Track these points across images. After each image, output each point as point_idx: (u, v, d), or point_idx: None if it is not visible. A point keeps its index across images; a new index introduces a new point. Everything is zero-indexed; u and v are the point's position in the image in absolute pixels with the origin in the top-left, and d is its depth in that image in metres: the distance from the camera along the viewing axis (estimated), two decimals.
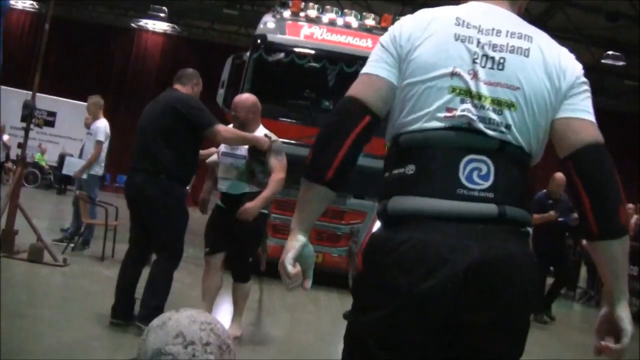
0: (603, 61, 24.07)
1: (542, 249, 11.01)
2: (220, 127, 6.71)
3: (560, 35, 20.37)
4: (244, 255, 7.06)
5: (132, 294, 6.90)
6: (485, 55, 2.56)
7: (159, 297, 6.52)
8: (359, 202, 11.82)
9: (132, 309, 6.86)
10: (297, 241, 2.66)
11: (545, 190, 11.84)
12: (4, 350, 5.22)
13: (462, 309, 2.42)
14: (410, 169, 2.53)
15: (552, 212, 11.33)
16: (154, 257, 7.27)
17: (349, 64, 11.80)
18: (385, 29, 12.71)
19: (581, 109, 2.62)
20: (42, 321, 6.70)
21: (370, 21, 12.89)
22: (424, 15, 2.70)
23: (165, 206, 6.60)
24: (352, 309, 2.69)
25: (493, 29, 2.60)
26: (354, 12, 13.28)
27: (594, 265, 16.25)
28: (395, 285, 2.46)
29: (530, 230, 2.60)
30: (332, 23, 12.65)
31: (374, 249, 2.60)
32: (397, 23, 2.74)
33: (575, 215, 12.07)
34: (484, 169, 2.48)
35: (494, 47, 2.57)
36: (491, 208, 2.45)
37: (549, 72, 2.59)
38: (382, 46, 2.70)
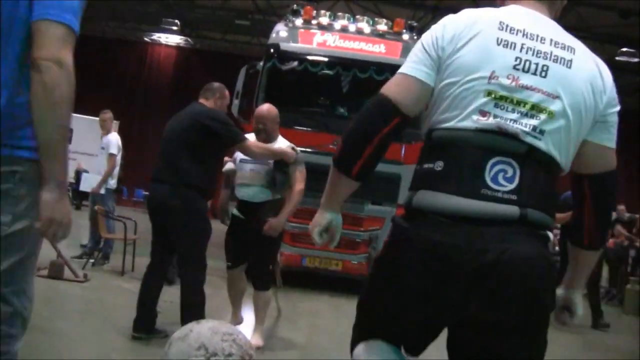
0: (617, 58, 23.97)
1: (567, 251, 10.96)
2: (250, 143, 6.73)
3: (574, 34, 20.26)
4: (264, 263, 7.08)
5: (154, 307, 6.90)
6: (529, 61, 2.60)
7: (197, 313, 6.42)
8: (377, 209, 11.75)
9: (154, 323, 6.88)
10: (324, 219, 2.95)
11: (570, 191, 11.69)
12: None
13: (473, 310, 2.53)
14: (439, 165, 2.62)
15: None
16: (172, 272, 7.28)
17: (363, 69, 11.79)
18: (398, 34, 12.71)
19: (612, 138, 2.81)
20: (64, 336, 6.72)
21: (382, 26, 12.81)
22: (467, 16, 2.73)
23: (190, 219, 6.53)
24: (361, 295, 2.99)
25: (537, 36, 2.65)
26: (365, 17, 13.24)
27: (615, 263, 16.20)
28: (405, 285, 2.65)
29: (550, 234, 2.67)
30: (344, 29, 12.62)
31: (395, 241, 2.78)
32: (439, 23, 2.78)
33: None
34: (510, 172, 2.55)
35: (537, 53, 2.61)
36: (513, 210, 2.52)
37: (589, 87, 2.66)
38: (423, 47, 2.75)
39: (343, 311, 9.95)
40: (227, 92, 7.14)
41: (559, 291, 3.06)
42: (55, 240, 2.87)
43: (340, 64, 12.13)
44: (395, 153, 11.08)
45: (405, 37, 12.60)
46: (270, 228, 6.81)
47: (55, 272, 9.54)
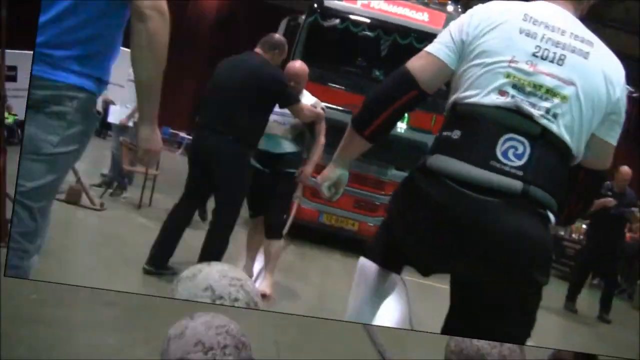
0: None
1: (594, 242, 10.90)
2: (303, 105, 6.79)
3: (619, 27, 20.04)
4: (280, 212, 7.11)
5: (173, 246, 6.86)
6: (548, 50, 2.82)
7: (215, 258, 6.37)
8: (400, 174, 11.58)
9: (168, 261, 6.86)
10: (334, 174, 3.39)
11: (608, 182, 11.43)
12: (34, 289, 5.27)
13: (467, 274, 2.86)
14: (457, 134, 2.84)
15: (609, 198, 10.95)
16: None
17: (403, 36, 11.69)
18: (443, 5, 12.54)
19: (616, 136, 3.04)
20: (73, 263, 6.77)
21: None
22: (495, 6, 2.98)
23: (237, 171, 6.58)
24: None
25: (558, 28, 2.86)
26: None
27: (627, 257, 16.15)
28: (410, 234, 3.02)
29: (551, 215, 2.83)
30: None
31: (406, 192, 3.07)
32: (468, 12, 3.03)
33: (633, 209, 11.82)
34: (520, 149, 2.75)
35: (556, 44, 2.83)
36: (516, 184, 2.72)
37: (603, 78, 2.86)
38: (450, 31, 3.01)
39: (354, 272, 9.98)
40: (286, 48, 7.03)
41: None
42: (149, 165, 3.54)
43: (382, 27, 12.03)
44: (426, 122, 11.07)
45: (450, 8, 12.47)
46: (303, 177, 7.10)
47: (73, 197, 9.61)
